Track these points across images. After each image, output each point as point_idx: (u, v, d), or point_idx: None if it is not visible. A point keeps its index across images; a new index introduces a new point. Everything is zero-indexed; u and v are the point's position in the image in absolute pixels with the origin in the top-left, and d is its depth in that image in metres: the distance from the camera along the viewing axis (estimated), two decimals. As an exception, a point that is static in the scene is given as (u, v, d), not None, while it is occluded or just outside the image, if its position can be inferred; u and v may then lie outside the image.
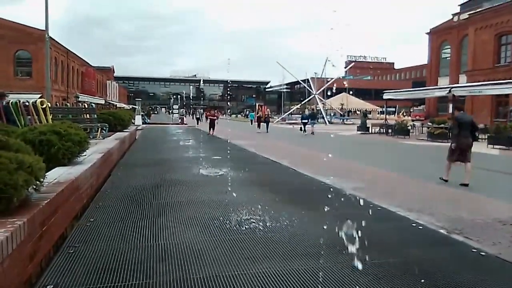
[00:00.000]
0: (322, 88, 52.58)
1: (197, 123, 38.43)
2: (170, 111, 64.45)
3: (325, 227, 4.37)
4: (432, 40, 47.43)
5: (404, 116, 47.61)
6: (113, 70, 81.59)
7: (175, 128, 31.72)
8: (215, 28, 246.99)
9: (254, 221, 5.18)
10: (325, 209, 5.42)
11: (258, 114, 31.64)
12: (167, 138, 21.82)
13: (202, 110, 51.87)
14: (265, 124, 28.96)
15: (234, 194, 6.50)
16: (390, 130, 26.35)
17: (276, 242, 4.37)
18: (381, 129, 27.91)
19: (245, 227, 4.92)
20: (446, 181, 8.59)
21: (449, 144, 9.05)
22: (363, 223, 4.88)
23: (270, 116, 32.45)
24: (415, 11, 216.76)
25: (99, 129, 14.22)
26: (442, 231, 5.00)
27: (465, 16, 39.68)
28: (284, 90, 79.44)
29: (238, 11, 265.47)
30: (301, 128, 27.54)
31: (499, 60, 33.26)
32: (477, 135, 9.69)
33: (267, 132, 27.87)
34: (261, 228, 4.88)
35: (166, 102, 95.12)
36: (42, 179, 3.83)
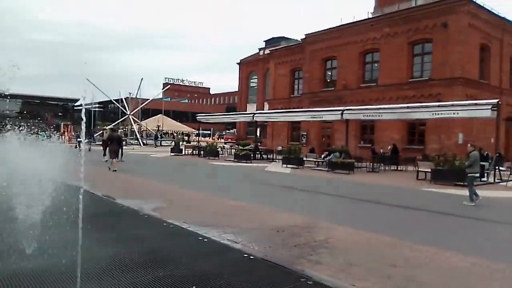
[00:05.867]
0: (137, 109, 51.56)
1: None
2: None
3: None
4: (242, 70, 52.31)
5: (218, 139, 50.66)
6: None
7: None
8: (14, 35, 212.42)
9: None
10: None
11: (103, 137, 26.85)
12: None
13: None
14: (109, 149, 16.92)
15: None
16: (202, 152, 27.52)
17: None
18: (194, 151, 28.92)
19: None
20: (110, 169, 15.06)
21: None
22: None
23: (123, 138, 25.54)
24: (230, 40, 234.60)
25: None
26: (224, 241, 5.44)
27: (267, 51, 45.03)
28: (97, 109, 74.79)
29: (46, 17, 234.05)
30: (76, 146, 28.53)
31: (293, 92, 38.58)
32: (122, 145, 17.81)
33: (122, 160, 19.04)
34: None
35: None
36: None
